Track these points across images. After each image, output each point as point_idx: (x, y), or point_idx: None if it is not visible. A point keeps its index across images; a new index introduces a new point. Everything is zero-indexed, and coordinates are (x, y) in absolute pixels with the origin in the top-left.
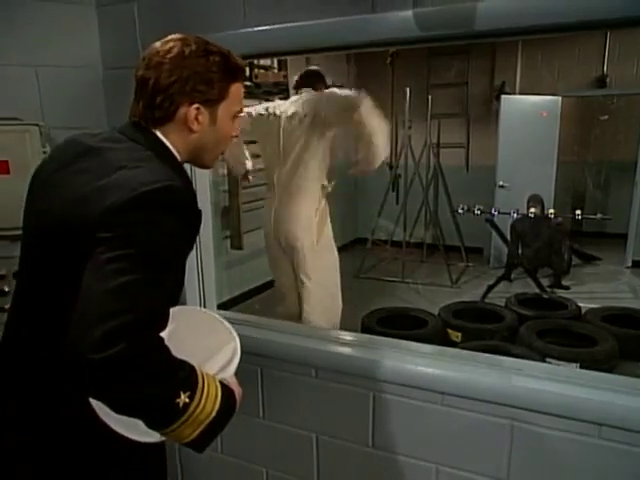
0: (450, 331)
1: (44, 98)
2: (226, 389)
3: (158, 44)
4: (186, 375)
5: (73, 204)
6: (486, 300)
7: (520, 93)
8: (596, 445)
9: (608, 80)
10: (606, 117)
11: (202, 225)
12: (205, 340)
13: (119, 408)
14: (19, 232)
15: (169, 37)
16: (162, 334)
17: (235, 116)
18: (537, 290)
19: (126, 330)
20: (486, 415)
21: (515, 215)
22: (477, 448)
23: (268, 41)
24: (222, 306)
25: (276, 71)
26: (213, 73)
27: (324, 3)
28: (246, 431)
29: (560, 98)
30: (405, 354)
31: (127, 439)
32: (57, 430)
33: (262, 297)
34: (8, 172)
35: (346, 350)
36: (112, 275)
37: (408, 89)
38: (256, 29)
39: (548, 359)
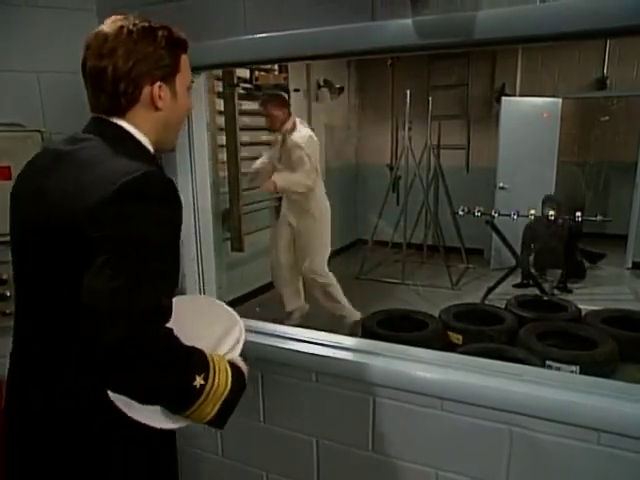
0: (450, 333)
1: (46, 104)
2: (234, 367)
3: (102, 30)
4: (198, 359)
5: (57, 207)
6: (486, 302)
7: (520, 95)
8: (595, 451)
9: (608, 82)
10: (606, 118)
11: (202, 227)
12: (212, 325)
13: (142, 398)
14: None
15: (110, 20)
16: (172, 323)
17: (189, 88)
18: (537, 292)
19: (136, 327)
20: (485, 420)
21: (515, 217)
22: (477, 453)
23: (269, 48)
24: None
25: (277, 73)
26: (164, 49)
27: (324, 11)
28: (246, 435)
29: (560, 100)
30: (405, 359)
31: (138, 427)
32: (73, 422)
33: (263, 298)
34: (10, 178)
35: (346, 355)
36: (112, 275)
37: (408, 91)
38: (257, 36)
39: (548, 361)
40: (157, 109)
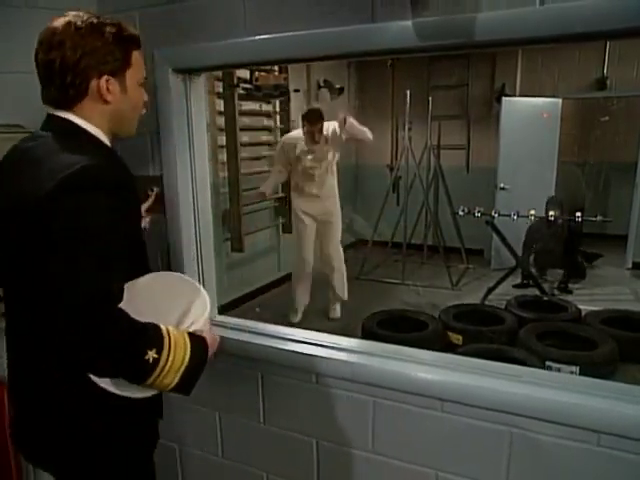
0: (450, 334)
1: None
2: (195, 338)
3: (52, 25)
4: (150, 335)
5: (15, 205)
6: (486, 302)
7: (520, 95)
8: (595, 452)
9: (608, 82)
10: (606, 118)
11: (202, 227)
12: (176, 299)
13: (99, 374)
14: None
15: (60, 16)
16: (135, 301)
17: (142, 83)
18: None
19: (81, 314)
20: (485, 422)
21: (515, 217)
22: (476, 454)
23: (269, 50)
24: (222, 308)
25: (277, 74)
26: (112, 44)
27: (324, 13)
28: (246, 436)
29: (560, 100)
30: (405, 360)
31: (119, 399)
32: (66, 409)
33: (263, 298)
34: None
35: (346, 356)
36: (59, 267)
37: (408, 91)
38: (257, 38)
39: (548, 362)
40: (106, 102)
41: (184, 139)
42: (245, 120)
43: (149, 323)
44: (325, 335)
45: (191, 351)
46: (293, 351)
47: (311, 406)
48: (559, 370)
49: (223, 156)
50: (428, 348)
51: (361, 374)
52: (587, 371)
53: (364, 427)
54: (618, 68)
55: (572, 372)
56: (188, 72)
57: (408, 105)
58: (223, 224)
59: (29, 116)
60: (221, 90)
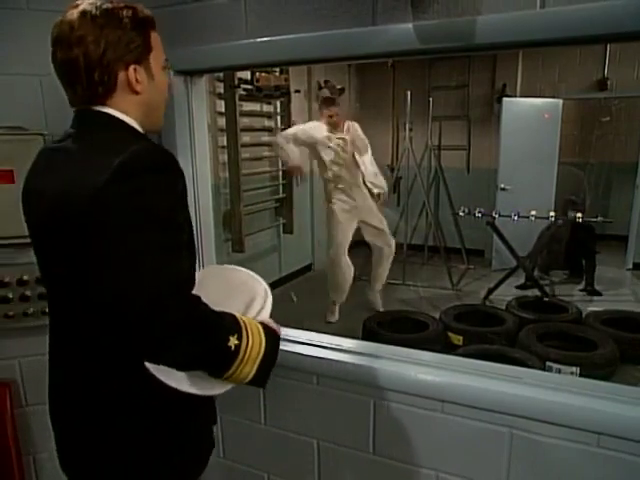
0: (451, 334)
1: (48, 107)
2: (266, 326)
3: (66, 18)
4: (229, 321)
5: (58, 203)
6: (487, 302)
7: (521, 96)
8: (595, 454)
9: (609, 83)
10: (607, 119)
11: (203, 228)
12: (238, 291)
13: (181, 366)
14: (24, 240)
15: (71, 6)
16: (198, 292)
17: (164, 66)
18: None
19: (162, 299)
20: (485, 423)
21: (516, 218)
22: (477, 455)
23: (270, 52)
24: None
25: (278, 74)
26: (131, 29)
27: (325, 16)
28: (248, 436)
29: (561, 101)
30: (406, 362)
31: (178, 396)
32: (116, 398)
33: None
34: (13, 181)
35: (347, 358)
36: (130, 255)
37: (409, 92)
38: (258, 40)
39: (548, 363)
40: (136, 93)
41: (185, 140)
42: (246, 121)
43: (223, 311)
44: (326, 336)
45: (266, 339)
46: (295, 352)
47: (312, 407)
48: (559, 371)
49: (224, 157)
50: (429, 349)
51: (362, 375)
52: (587, 372)
53: (365, 428)
54: (619, 69)
55: (572, 373)
56: (189, 74)
57: (409, 106)
58: (224, 225)
59: (31, 118)
60: (222, 91)
